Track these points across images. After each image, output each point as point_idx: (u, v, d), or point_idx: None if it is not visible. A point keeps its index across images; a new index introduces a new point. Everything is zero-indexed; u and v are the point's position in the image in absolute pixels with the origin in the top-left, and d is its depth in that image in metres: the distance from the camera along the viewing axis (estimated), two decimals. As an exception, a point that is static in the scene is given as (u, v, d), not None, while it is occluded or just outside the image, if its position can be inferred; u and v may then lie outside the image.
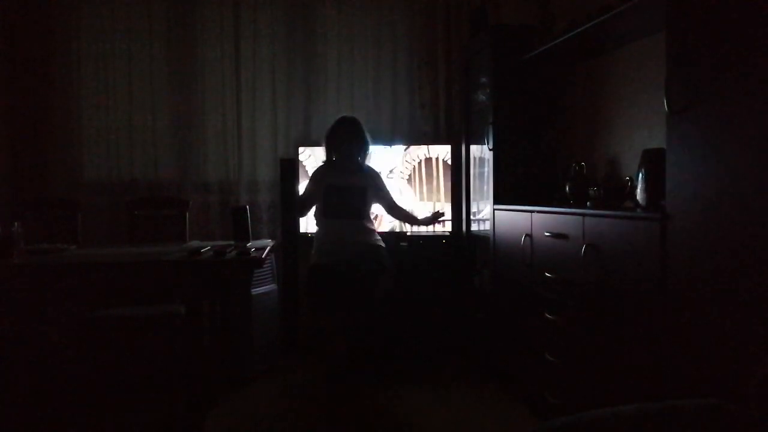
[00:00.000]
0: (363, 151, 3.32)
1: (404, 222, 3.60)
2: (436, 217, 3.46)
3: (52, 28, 3.66)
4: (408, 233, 3.68)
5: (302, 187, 3.63)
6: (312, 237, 3.62)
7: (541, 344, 2.55)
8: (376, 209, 3.53)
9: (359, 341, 3.28)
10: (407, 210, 3.53)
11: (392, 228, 3.70)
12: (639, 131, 2.58)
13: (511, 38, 3.18)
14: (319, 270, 3.14)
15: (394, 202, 3.48)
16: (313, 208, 3.43)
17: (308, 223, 3.70)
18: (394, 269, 3.31)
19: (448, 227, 3.72)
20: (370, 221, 3.36)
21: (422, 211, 3.69)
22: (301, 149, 3.72)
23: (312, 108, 3.91)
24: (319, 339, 3.44)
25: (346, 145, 3.27)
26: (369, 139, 3.35)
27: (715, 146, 1.57)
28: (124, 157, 3.78)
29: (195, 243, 2.99)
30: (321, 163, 3.43)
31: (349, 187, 3.23)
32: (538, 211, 2.62)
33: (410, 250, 3.65)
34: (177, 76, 3.82)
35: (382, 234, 3.42)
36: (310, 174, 3.44)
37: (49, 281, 2.40)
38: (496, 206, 3.13)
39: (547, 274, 2.49)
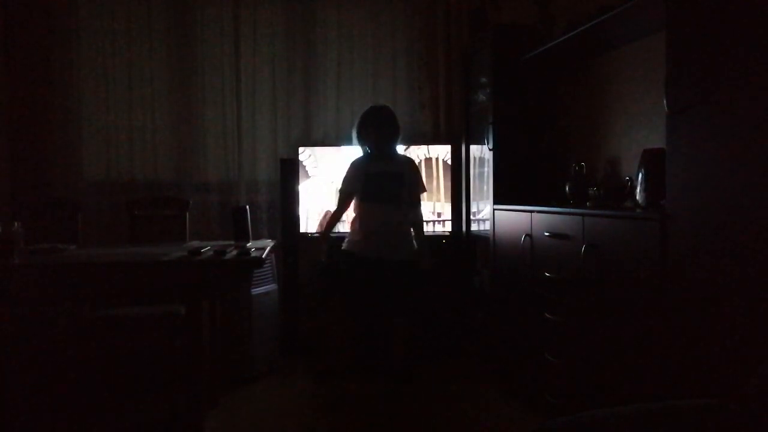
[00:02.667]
0: (396, 138, 3.30)
1: (416, 235, 3.33)
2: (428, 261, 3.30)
3: (52, 28, 3.66)
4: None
5: (302, 185, 3.64)
6: (311, 237, 3.65)
7: (541, 344, 2.55)
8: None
9: (372, 339, 3.30)
10: (421, 222, 3.33)
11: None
12: (639, 131, 2.58)
13: (511, 38, 3.18)
14: (349, 257, 3.20)
15: (417, 202, 3.30)
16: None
17: (308, 223, 3.71)
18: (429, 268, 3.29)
19: (448, 227, 3.72)
20: (407, 213, 3.26)
21: (423, 210, 3.68)
22: (301, 149, 3.72)
23: (312, 108, 3.91)
24: (322, 333, 3.44)
25: (379, 134, 3.24)
26: (399, 124, 3.32)
27: (715, 146, 1.57)
28: (124, 157, 3.78)
29: (195, 243, 2.99)
30: (360, 156, 3.36)
31: (386, 174, 3.21)
32: (538, 211, 2.62)
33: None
34: (177, 76, 3.82)
35: None
36: (348, 166, 3.32)
37: (49, 281, 2.40)
38: (496, 206, 3.13)
39: (547, 274, 2.49)
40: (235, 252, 2.57)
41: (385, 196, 3.19)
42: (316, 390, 3.14)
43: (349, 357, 3.39)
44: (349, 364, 3.37)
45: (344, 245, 3.27)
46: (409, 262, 3.20)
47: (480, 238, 3.47)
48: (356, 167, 3.29)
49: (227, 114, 3.85)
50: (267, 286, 3.48)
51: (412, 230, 3.27)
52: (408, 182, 3.25)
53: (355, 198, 3.30)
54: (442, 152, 3.73)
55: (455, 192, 3.74)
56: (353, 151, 3.43)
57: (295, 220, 3.65)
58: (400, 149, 3.71)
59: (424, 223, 3.41)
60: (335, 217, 3.39)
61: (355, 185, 3.25)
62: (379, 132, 3.24)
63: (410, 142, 3.79)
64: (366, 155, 3.31)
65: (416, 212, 3.31)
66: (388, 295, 3.18)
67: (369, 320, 3.43)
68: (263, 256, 2.51)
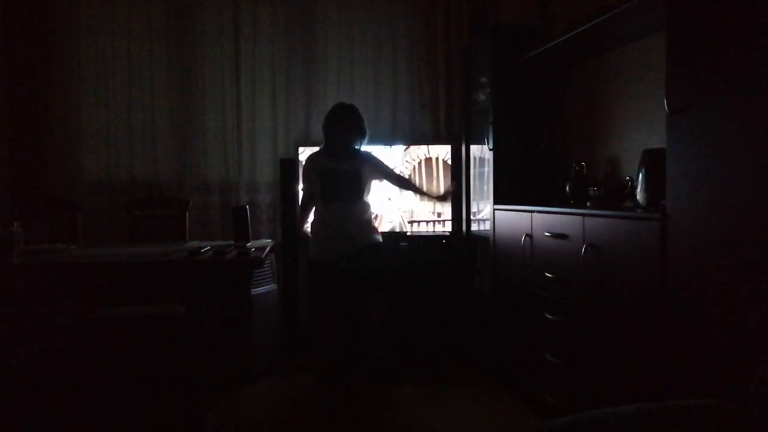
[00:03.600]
0: (356, 137, 3.26)
1: (416, 193, 3.61)
2: (447, 194, 3.61)
3: (52, 28, 3.66)
4: (408, 233, 3.68)
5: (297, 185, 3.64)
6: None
7: (541, 344, 2.55)
8: (389, 191, 3.59)
9: (356, 339, 3.30)
10: (414, 183, 3.62)
11: (392, 228, 3.70)
12: (639, 131, 2.58)
13: (511, 38, 3.18)
14: (317, 266, 3.21)
15: (400, 175, 3.55)
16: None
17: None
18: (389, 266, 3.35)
19: (448, 227, 3.72)
20: (367, 206, 3.30)
21: (423, 210, 3.69)
22: (301, 149, 3.72)
23: (312, 108, 3.91)
24: (317, 337, 3.45)
25: (339, 131, 3.23)
26: (365, 125, 3.29)
27: (715, 146, 1.57)
28: (124, 157, 3.78)
29: (195, 243, 2.98)
30: (315, 150, 3.39)
31: (342, 170, 3.20)
32: (538, 211, 2.62)
33: (410, 250, 3.65)
34: (177, 76, 3.82)
35: (381, 234, 3.41)
36: (302, 163, 3.42)
37: (49, 281, 2.39)
38: (496, 206, 3.13)
39: (547, 274, 2.49)
40: (235, 252, 2.57)
41: (341, 193, 3.19)
42: (316, 390, 3.14)
43: (344, 359, 3.37)
44: (346, 366, 3.36)
45: (310, 253, 3.27)
46: (371, 247, 3.20)
47: (480, 238, 3.47)
48: (310, 165, 3.31)
49: (227, 114, 3.85)
50: (267, 286, 3.48)
51: (373, 232, 3.29)
52: (370, 176, 3.27)
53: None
54: (442, 152, 3.73)
55: (455, 192, 3.74)
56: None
57: (295, 220, 3.65)
58: (400, 149, 3.72)
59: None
60: (303, 219, 3.42)
61: (313, 186, 3.27)
62: (335, 128, 3.23)
63: (410, 142, 3.79)
64: (321, 151, 3.31)
65: (409, 185, 3.56)
66: (360, 295, 3.21)
67: (352, 323, 3.40)
68: (263, 256, 2.51)
